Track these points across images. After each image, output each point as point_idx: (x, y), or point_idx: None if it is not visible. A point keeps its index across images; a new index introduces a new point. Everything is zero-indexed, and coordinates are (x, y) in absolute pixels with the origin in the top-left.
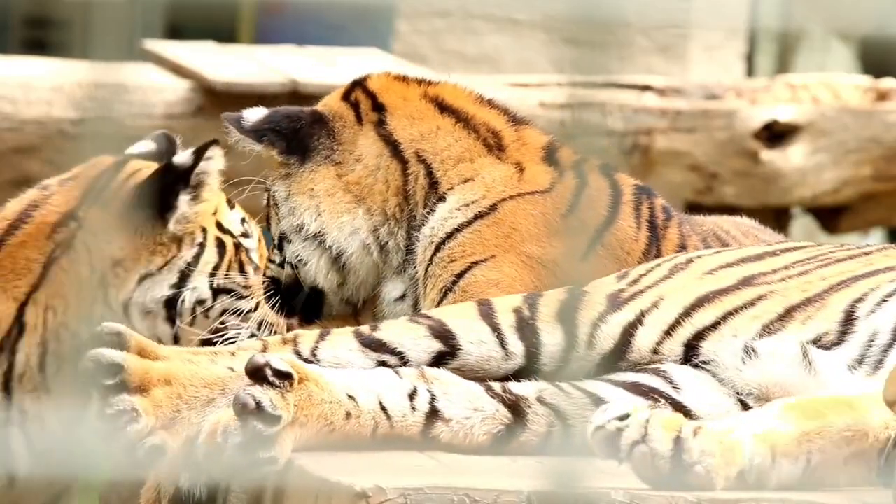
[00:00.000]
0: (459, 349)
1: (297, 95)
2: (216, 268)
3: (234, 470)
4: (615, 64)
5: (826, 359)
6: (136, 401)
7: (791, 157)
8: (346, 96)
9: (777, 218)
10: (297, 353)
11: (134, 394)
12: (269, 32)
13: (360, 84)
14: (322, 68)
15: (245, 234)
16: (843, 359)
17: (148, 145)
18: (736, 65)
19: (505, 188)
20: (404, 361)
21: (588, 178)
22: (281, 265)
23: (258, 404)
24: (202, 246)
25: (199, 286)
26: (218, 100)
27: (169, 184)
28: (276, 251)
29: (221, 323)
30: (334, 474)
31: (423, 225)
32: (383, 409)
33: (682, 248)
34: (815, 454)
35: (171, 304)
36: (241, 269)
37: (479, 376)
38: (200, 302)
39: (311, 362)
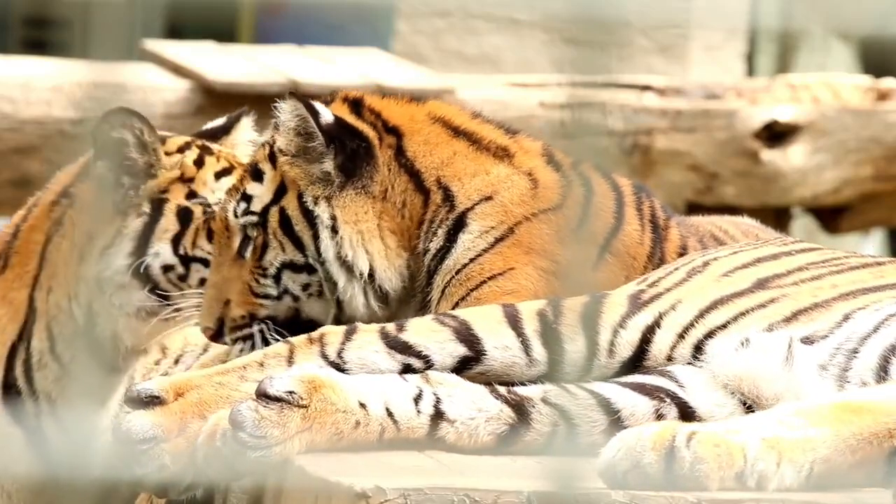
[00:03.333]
0: (484, 354)
1: None
2: (179, 235)
3: (230, 468)
4: (615, 64)
5: (804, 355)
6: (169, 449)
7: (791, 157)
8: (359, 113)
9: (777, 218)
10: (324, 356)
11: (172, 439)
12: (269, 32)
13: (358, 100)
14: (322, 68)
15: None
16: (819, 356)
17: (218, 121)
18: (736, 65)
19: (521, 209)
20: (429, 365)
21: (592, 183)
22: (279, 297)
23: (242, 425)
24: (151, 216)
25: (161, 252)
26: (218, 100)
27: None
28: (263, 281)
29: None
30: (334, 474)
31: (446, 255)
32: (390, 414)
33: (683, 248)
34: (818, 463)
35: (139, 274)
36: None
37: (501, 381)
38: (168, 268)
39: (336, 364)
